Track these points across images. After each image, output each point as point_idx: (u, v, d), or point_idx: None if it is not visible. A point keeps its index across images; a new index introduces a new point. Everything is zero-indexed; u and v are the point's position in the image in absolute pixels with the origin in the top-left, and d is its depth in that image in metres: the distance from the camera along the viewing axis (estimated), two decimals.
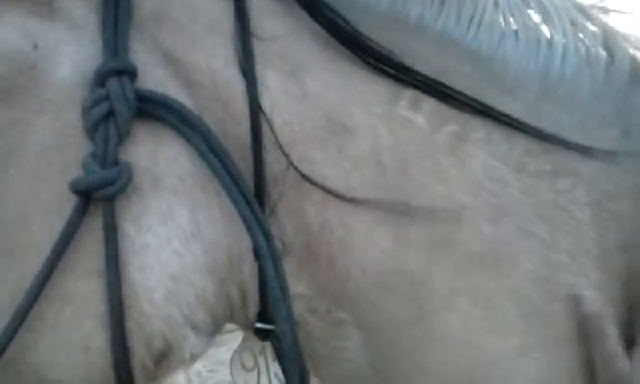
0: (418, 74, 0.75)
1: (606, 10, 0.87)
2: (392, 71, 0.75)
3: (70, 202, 0.65)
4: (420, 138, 0.75)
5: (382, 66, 0.75)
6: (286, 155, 0.71)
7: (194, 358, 0.77)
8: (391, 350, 0.76)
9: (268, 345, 0.83)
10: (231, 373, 0.86)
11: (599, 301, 0.74)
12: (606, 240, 0.76)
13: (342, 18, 0.74)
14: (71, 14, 0.70)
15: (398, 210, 0.73)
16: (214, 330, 0.78)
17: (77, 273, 0.66)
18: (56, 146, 0.67)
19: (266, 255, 0.69)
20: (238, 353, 0.86)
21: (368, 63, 0.75)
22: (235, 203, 0.69)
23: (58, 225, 0.65)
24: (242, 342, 0.86)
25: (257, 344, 0.85)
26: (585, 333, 0.74)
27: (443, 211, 0.73)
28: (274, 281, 0.70)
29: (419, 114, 0.75)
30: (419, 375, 0.76)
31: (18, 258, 0.66)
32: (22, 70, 0.67)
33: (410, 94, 0.76)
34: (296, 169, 0.71)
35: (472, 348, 0.74)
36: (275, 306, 0.70)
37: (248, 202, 0.70)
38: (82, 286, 0.67)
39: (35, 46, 0.68)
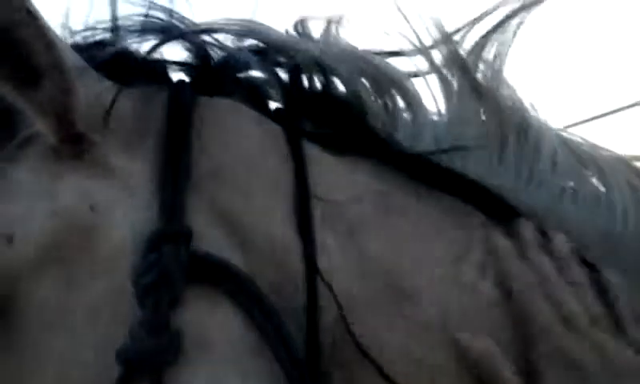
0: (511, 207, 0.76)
1: None
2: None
3: (116, 369, 0.61)
4: (486, 305, 0.71)
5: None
6: (347, 324, 0.67)
7: None
8: None
9: None
10: None
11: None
12: None
13: (445, 167, 0.76)
14: (126, 174, 0.70)
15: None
16: None
17: None
18: (105, 310, 0.64)
19: None
20: None
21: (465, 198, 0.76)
22: (288, 377, 0.64)
23: None
24: None
25: None
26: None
27: None
28: None
29: (485, 280, 0.72)
30: None
31: None
32: (79, 231, 0.66)
33: (474, 257, 0.73)
34: (355, 340, 0.67)
35: None
36: None
37: (301, 377, 0.65)
38: None
39: (92, 208, 0.67)
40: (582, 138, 0.86)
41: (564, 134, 0.85)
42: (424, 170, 0.78)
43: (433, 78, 0.82)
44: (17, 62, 0.67)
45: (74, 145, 0.70)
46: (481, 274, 0.72)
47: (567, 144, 0.83)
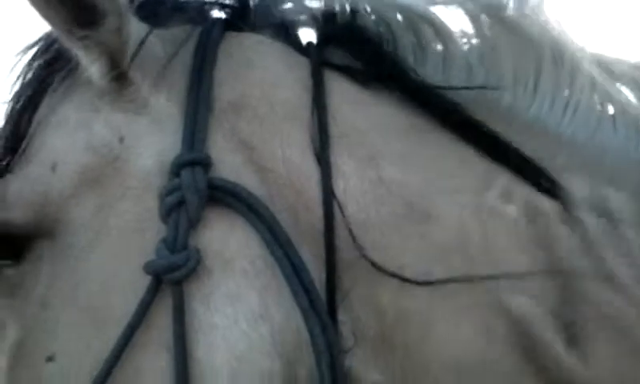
0: (521, 157, 0.73)
1: None
2: (496, 153, 0.74)
3: (145, 281, 0.68)
4: (512, 228, 0.71)
5: (488, 147, 0.74)
6: (358, 244, 0.70)
7: None
8: None
9: None
10: None
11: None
12: None
13: (452, 102, 0.75)
14: (155, 108, 0.76)
15: (487, 300, 0.69)
16: None
17: (148, 347, 0.69)
18: (135, 229, 0.71)
19: (322, 349, 0.68)
20: None
21: (471, 143, 0.75)
22: (294, 294, 0.69)
23: (134, 302, 0.68)
24: None
25: None
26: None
27: None
28: (327, 376, 0.67)
29: (511, 204, 0.72)
30: None
31: (100, 328, 0.69)
32: (109, 161, 0.74)
33: (500, 182, 0.73)
34: (367, 257, 0.70)
35: None
36: None
37: (307, 293, 0.69)
38: (152, 361, 0.69)
39: (121, 140, 0.74)
40: (619, 58, 0.82)
41: (601, 54, 0.82)
42: (443, 108, 0.77)
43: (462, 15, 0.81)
44: (79, 2, 0.72)
45: (116, 83, 0.77)
46: (506, 199, 0.72)
47: (604, 63, 0.80)
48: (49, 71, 0.80)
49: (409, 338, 0.71)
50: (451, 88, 0.78)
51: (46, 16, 0.72)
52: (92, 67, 0.76)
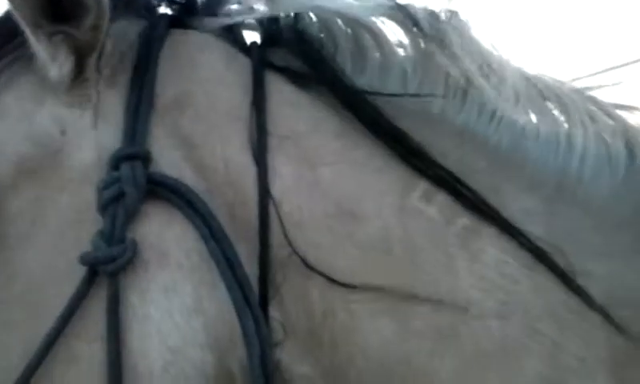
0: (439, 166, 0.76)
1: (627, 108, 0.87)
2: (416, 161, 0.77)
3: (81, 273, 0.70)
4: (431, 229, 0.76)
5: (408, 155, 0.77)
6: (290, 242, 0.74)
7: None
8: None
9: None
10: None
11: None
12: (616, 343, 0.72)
13: (377, 109, 0.78)
14: (100, 103, 0.77)
15: (404, 300, 0.73)
16: None
17: (82, 337, 0.70)
18: (72, 221, 0.72)
19: (253, 341, 0.71)
20: None
21: (394, 150, 0.78)
22: (228, 288, 0.72)
23: (68, 292, 0.69)
24: None
25: None
26: None
27: (451, 304, 0.73)
28: (257, 368, 0.71)
29: (432, 205, 0.76)
30: None
31: (35, 320, 0.70)
32: (49, 152, 0.74)
33: (423, 185, 0.77)
34: (298, 255, 0.73)
35: None
36: None
37: (241, 287, 0.72)
38: (86, 350, 0.71)
39: (63, 133, 0.75)
40: (542, 73, 0.87)
41: (525, 69, 0.87)
42: (369, 113, 0.80)
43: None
44: None
45: (72, 79, 0.77)
46: (427, 201, 0.77)
47: (529, 79, 0.85)
48: None
49: (335, 334, 0.74)
50: (380, 94, 0.80)
51: (17, 7, 0.72)
52: (53, 63, 0.75)
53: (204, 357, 0.73)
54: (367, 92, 0.80)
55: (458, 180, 0.76)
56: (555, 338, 0.72)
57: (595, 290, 0.73)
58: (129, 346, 0.70)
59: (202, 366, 0.73)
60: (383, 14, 0.84)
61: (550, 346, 0.72)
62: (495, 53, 0.84)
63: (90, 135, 0.76)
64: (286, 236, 0.74)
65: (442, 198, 0.77)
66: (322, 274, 0.73)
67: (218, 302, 0.74)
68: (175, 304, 0.72)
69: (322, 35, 0.85)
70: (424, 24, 0.83)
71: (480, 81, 0.82)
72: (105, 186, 0.72)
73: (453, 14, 0.85)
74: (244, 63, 0.83)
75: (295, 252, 0.74)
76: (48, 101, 0.77)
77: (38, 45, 0.74)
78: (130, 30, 0.83)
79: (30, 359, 0.68)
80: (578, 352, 0.72)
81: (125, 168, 0.72)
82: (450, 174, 0.76)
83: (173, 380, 0.72)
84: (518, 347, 0.72)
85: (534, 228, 0.75)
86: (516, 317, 0.73)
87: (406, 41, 0.84)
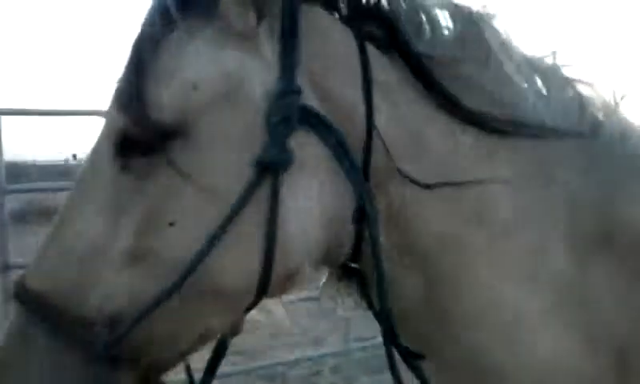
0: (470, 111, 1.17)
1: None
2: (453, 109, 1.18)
3: (250, 173, 1.04)
4: (469, 145, 1.17)
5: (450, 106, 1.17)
6: (391, 155, 1.13)
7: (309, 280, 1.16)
8: (442, 291, 1.16)
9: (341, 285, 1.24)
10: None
11: None
12: None
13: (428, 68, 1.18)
14: (264, 52, 1.10)
15: (455, 189, 1.14)
16: (318, 267, 1.17)
17: (248, 222, 1.04)
18: (246, 134, 1.06)
19: (371, 214, 1.10)
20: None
21: (437, 100, 1.17)
22: (354, 182, 1.09)
23: (240, 187, 1.03)
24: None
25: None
26: None
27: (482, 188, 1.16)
28: (376, 232, 1.10)
29: (467, 134, 1.17)
30: (458, 311, 1.16)
31: (214, 203, 1.03)
32: (234, 86, 1.07)
33: (462, 125, 1.18)
34: (395, 163, 1.13)
35: (495, 292, 1.15)
36: (374, 251, 1.10)
37: (361, 179, 1.10)
38: (250, 231, 1.04)
39: (242, 70, 1.08)
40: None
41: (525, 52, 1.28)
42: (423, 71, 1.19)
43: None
44: None
45: (250, 31, 1.08)
46: (462, 132, 1.19)
47: (527, 57, 1.27)
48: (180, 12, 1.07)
49: (408, 217, 1.14)
50: (432, 57, 1.18)
51: None
52: (241, 18, 1.07)
53: (322, 235, 1.10)
54: (427, 55, 1.18)
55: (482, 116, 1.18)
56: None
57: None
58: (281, 228, 1.04)
59: (319, 241, 1.10)
60: (434, 4, 1.22)
61: None
62: (507, 32, 1.24)
63: (259, 74, 1.08)
64: (387, 151, 1.12)
65: (472, 129, 1.17)
66: (407, 176, 1.13)
67: (333, 195, 1.10)
68: (308, 198, 1.07)
69: (395, 11, 1.20)
70: (462, 11, 1.21)
71: (498, 51, 1.21)
72: (273, 112, 1.05)
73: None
74: (347, 30, 1.18)
75: (394, 162, 1.13)
76: (229, 46, 1.07)
77: (232, 5, 1.07)
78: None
79: (209, 236, 0.99)
80: None
81: (288, 99, 1.05)
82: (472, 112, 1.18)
83: (303, 249, 1.08)
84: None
85: None
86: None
87: (450, 23, 1.22)
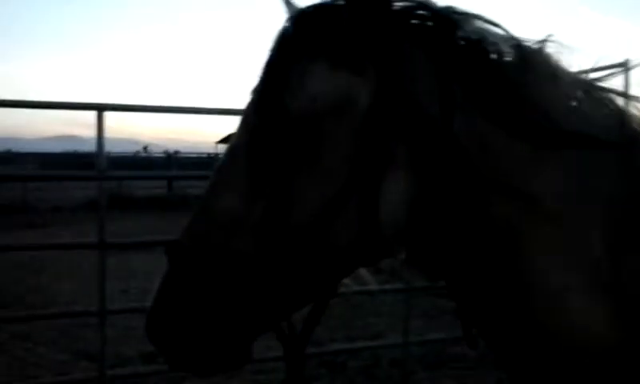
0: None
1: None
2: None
3: (356, 162, 1.33)
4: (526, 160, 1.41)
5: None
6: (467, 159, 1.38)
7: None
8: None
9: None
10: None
11: None
12: None
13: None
14: (370, 74, 1.37)
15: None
16: (402, 245, 1.42)
17: (355, 197, 1.33)
18: (347, 138, 1.34)
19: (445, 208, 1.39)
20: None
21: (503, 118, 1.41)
22: (433, 178, 1.37)
23: (348, 170, 1.32)
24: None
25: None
26: None
27: None
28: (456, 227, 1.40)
29: (524, 143, 1.40)
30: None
31: (330, 183, 1.32)
32: (343, 100, 1.36)
33: (521, 138, 1.40)
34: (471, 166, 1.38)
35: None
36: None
37: (438, 175, 1.37)
38: (355, 205, 1.32)
39: (350, 89, 1.36)
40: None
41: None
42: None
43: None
44: None
45: (356, 61, 1.37)
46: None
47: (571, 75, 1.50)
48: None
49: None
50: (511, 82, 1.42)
51: None
52: (352, 55, 1.36)
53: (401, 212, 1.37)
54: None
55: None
56: None
57: None
58: (380, 206, 1.33)
59: (398, 217, 1.36)
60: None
61: None
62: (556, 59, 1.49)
63: (360, 92, 1.35)
64: (463, 155, 1.37)
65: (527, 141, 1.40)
66: (480, 179, 1.38)
67: (418, 187, 1.36)
68: (399, 187, 1.35)
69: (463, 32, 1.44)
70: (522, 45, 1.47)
71: (553, 86, 1.45)
72: (375, 120, 1.33)
73: None
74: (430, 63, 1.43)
75: (469, 163, 1.37)
76: (341, 69, 1.36)
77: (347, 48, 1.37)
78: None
79: (327, 207, 1.29)
80: None
81: (385, 111, 1.33)
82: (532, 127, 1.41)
83: (392, 221, 1.34)
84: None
85: None
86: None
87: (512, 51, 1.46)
